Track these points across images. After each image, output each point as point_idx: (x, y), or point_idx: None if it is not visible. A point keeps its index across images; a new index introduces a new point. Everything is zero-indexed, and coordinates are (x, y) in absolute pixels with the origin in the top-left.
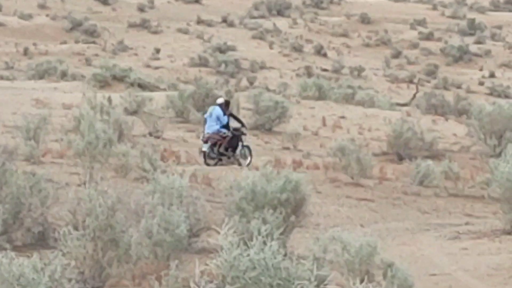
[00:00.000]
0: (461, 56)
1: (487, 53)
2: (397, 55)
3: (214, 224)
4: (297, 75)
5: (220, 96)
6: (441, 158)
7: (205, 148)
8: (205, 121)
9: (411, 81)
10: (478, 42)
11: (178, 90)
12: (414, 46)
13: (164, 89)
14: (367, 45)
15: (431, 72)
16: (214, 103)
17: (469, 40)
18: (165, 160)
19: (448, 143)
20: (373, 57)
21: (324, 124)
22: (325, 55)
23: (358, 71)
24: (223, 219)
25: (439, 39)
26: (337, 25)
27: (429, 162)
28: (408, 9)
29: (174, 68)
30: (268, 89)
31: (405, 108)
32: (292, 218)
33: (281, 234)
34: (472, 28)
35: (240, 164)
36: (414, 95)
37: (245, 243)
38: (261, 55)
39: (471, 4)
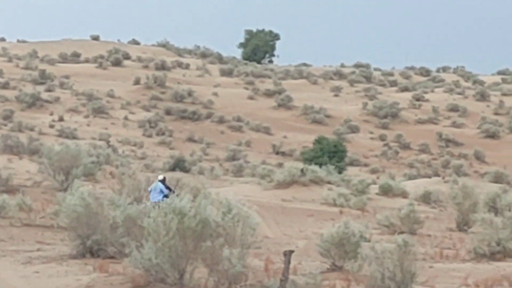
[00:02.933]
0: (34, 103)
1: (57, 99)
2: None
3: None
4: None
5: (160, 174)
6: (16, 192)
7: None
8: (149, 192)
9: None
10: (48, 90)
11: None
12: None
13: None
14: None
15: (8, 117)
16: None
17: (40, 88)
18: None
19: (22, 179)
20: None
21: None
22: None
23: None
24: None
25: (14, 88)
26: None
27: (5, 195)
28: None
29: None
30: None
31: None
32: None
33: None
34: (43, 77)
35: None
36: None
37: None
38: None
39: (42, 57)
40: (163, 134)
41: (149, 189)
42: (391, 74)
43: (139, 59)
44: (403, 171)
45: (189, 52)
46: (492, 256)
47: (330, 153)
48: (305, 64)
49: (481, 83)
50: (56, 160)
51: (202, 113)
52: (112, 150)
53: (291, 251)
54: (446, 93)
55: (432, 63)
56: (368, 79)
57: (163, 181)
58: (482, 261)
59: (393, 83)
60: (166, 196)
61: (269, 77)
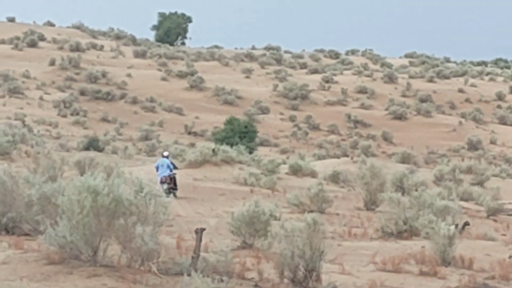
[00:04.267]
0: None
1: None
2: None
3: None
4: None
5: (165, 151)
6: None
7: (165, 186)
8: (157, 168)
9: None
10: None
11: None
12: None
13: None
14: None
15: None
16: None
17: None
18: None
19: None
20: None
21: None
22: None
23: None
24: None
25: None
26: None
27: None
28: None
29: None
30: None
31: None
32: None
33: None
34: None
35: (175, 195)
36: None
37: None
38: None
39: None
40: (77, 114)
41: (155, 165)
42: (301, 57)
43: (54, 41)
44: (312, 151)
45: (103, 34)
46: (399, 235)
47: (241, 134)
48: (216, 47)
49: (389, 65)
50: None
51: (116, 94)
52: (28, 129)
53: (203, 229)
54: (354, 76)
55: (341, 46)
56: (279, 61)
57: (167, 157)
58: (389, 240)
59: (303, 66)
60: (171, 170)
61: (182, 59)
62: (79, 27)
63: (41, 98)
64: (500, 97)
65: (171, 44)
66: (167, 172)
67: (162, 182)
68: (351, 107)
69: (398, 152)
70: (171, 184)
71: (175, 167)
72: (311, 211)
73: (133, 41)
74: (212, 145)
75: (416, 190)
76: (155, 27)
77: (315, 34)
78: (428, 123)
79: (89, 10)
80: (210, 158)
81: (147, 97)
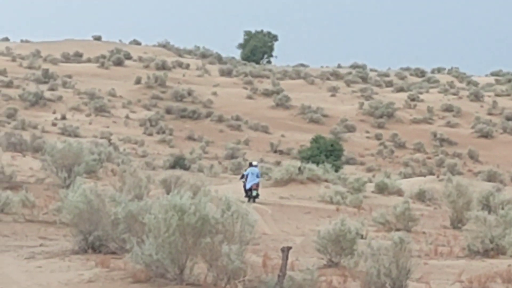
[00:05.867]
0: (37, 101)
1: (59, 98)
2: None
3: None
4: None
5: (254, 160)
6: (19, 189)
7: (254, 193)
8: (245, 176)
9: None
10: (51, 89)
11: None
12: None
13: None
14: None
15: (11, 115)
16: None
17: (44, 87)
18: None
19: (25, 176)
20: None
21: None
22: None
23: None
24: None
25: (18, 87)
26: None
27: (9, 192)
28: None
29: None
30: None
31: None
32: None
33: None
34: (46, 77)
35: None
36: None
37: None
38: None
39: (45, 57)
40: (163, 132)
41: (245, 173)
42: (387, 75)
43: (140, 59)
44: (398, 169)
45: (189, 52)
46: (486, 253)
47: (327, 152)
48: (302, 65)
49: (475, 84)
50: (58, 158)
51: (201, 112)
52: (114, 148)
53: (289, 248)
54: (440, 94)
55: (427, 64)
56: (364, 79)
57: (256, 167)
58: (475, 258)
59: (389, 84)
60: (258, 177)
61: (268, 77)
62: (165, 45)
63: (127, 117)
64: None
65: (257, 62)
66: (256, 180)
67: (251, 189)
68: (437, 125)
69: (484, 170)
70: (258, 191)
71: (258, 177)
72: (398, 230)
73: (219, 59)
74: (298, 163)
75: (503, 208)
76: (241, 46)
77: (401, 52)
78: None
79: (175, 29)
80: (296, 176)
81: (232, 116)
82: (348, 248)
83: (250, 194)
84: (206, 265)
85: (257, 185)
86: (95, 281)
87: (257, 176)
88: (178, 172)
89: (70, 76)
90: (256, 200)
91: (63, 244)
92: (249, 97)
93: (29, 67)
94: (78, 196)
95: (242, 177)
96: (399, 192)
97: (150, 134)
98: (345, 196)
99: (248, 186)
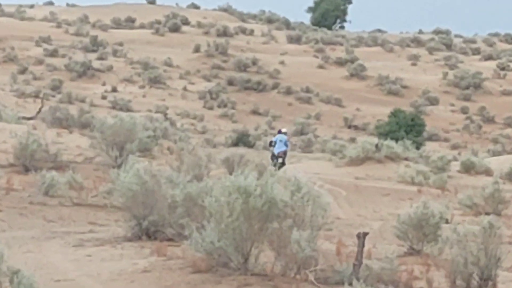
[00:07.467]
0: (85, 72)
1: (109, 68)
2: (23, 71)
3: None
4: None
5: (284, 127)
6: (66, 169)
7: (280, 160)
8: (273, 143)
9: (37, 96)
10: (100, 58)
11: None
12: (40, 62)
13: None
14: None
15: (56, 87)
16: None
17: (92, 56)
18: None
19: (72, 155)
20: (0, 73)
21: None
22: None
23: None
24: None
25: (63, 56)
26: None
27: (54, 173)
28: (34, 27)
29: None
30: None
31: (31, 122)
32: None
33: None
34: (95, 45)
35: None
36: (40, 109)
37: None
38: None
39: (93, 22)
40: (225, 106)
41: (273, 139)
42: (474, 41)
43: (199, 25)
44: (486, 146)
45: (254, 17)
46: None
47: (407, 127)
48: (379, 31)
49: None
50: (109, 135)
51: (267, 84)
52: (170, 123)
53: (365, 233)
54: None
55: None
56: (449, 46)
57: (285, 134)
58: None
59: (476, 51)
60: (287, 146)
61: (341, 44)
62: (226, 9)
63: (184, 89)
64: None
65: (329, 28)
66: (283, 148)
67: (277, 157)
68: None
69: None
70: (285, 159)
71: (287, 147)
72: (487, 213)
73: (287, 25)
74: (375, 140)
75: None
76: (310, 9)
77: (489, 16)
78: None
79: None
80: (373, 154)
81: (302, 87)
82: (432, 234)
83: (276, 162)
84: (274, 253)
85: (285, 153)
86: (151, 270)
87: (285, 144)
88: (241, 150)
89: (121, 44)
90: (321, 179)
91: (115, 230)
92: (320, 67)
93: (76, 34)
94: (131, 177)
95: (271, 144)
96: (488, 172)
97: (211, 108)
98: (427, 176)
99: (276, 153)
